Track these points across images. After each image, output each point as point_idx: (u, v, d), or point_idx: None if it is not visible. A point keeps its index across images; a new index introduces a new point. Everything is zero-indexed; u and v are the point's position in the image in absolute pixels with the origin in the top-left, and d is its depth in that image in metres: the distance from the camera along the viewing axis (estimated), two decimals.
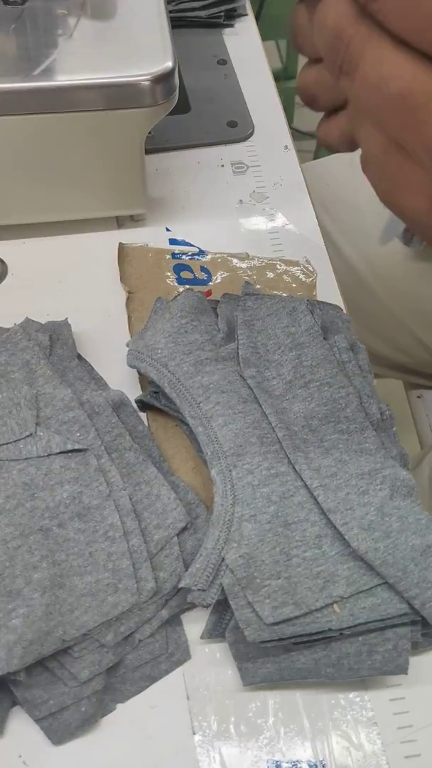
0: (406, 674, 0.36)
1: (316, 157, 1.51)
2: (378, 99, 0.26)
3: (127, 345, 0.47)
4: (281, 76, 1.52)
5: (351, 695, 0.37)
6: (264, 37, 0.71)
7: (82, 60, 0.47)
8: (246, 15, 0.73)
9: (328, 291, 0.53)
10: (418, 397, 0.81)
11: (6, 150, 0.49)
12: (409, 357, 0.74)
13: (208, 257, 0.55)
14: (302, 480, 0.40)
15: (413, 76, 0.25)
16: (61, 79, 0.46)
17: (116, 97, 0.47)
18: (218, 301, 0.49)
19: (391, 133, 0.27)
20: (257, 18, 0.74)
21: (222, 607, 0.38)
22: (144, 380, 0.47)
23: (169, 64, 0.47)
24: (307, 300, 0.48)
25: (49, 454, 0.40)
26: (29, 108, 0.47)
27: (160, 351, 0.45)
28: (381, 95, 0.26)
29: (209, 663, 0.38)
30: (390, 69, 0.25)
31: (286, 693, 0.37)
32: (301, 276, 0.54)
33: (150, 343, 0.45)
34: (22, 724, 0.36)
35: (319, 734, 0.36)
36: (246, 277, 0.53)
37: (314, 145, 1.54)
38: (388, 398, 0.45)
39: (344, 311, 0.50)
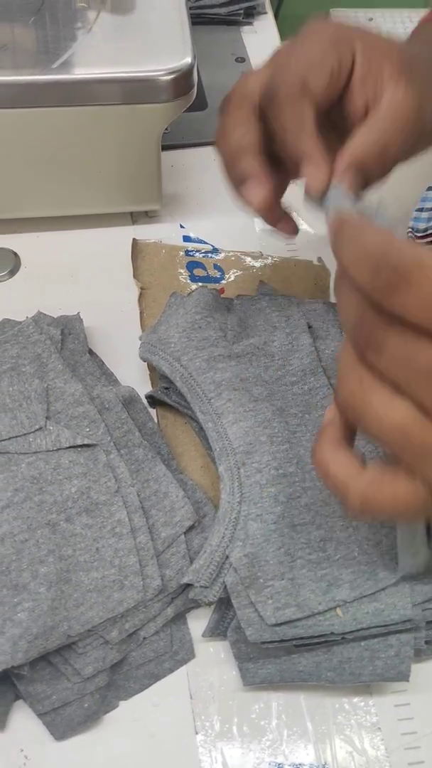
0: (408, 681, 0.36)
1: None
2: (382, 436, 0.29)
3: (140, 338, 0.46)
4: None
5: (355, 700, 0.37)
6: (282, 36, 0.71)
7: (100, 54, 0.47)
8: (265, 13, 0.73)
9: None
10: None
11: (22, 143, 0.49)
12: None
13: (222, 255, 0.55)
14: (310, 482, 0.40)
15: (406, 419, 0.28)
16: (80, 73, 0.46)
17: (134, 91, 0.47)
18: (232, 299, 0.49)
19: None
20: (276, 17, 0.74)
21: (224, 606, 0.38)
22: (154, 377, 0.47)
23: (188, 59, 0.47)
24: (323, 302, 0.48)
25: (59, 449, 0.40)
26: (47, 101, 0.47)
27: (173, 345, 0.44)
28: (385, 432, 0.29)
29: (213, 662, 0.38)
30: (390, 420, 0.28)
31: (290, 695, 0.37)
32: (315, 276, 0.54)
33: (163, 337, 0.45)
34: (24, 719, 0.35)
35: (323, 738, 0.36)
36: (260, 275, 0.53)
37: None
38: None
39: None
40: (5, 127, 0.48)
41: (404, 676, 0.36)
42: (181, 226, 0.56)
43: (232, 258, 0.54)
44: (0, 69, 0.46)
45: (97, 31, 0.49)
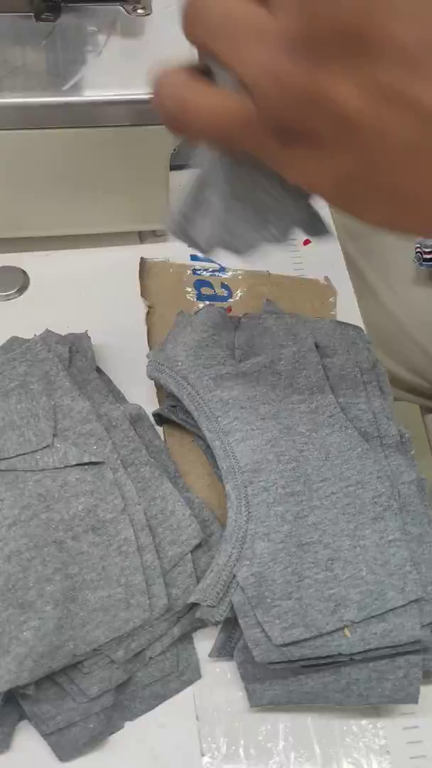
0: (417, 704, 0.35)
1: None
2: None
3: (148, 356, 0.47)
4: None
5: (363, 722, 0.36)
6: None
7: (110, 76, 0.48)
8: None
9: (348, 311, 0.53)
10: None
11: (32, 163, 0.49)
12: (426, 381, 0.73)
13: (229, 274, 0.55)
14: (317, 501, 0.40)
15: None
16: (90, 95, 0.47)
17: (143, 113, 0.47)
18: (240, 318, 0.49)
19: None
20: None
21: (231, 626, 0.38)
22: (161, 395, 0.47)
23: None
24: (330, 320, 0.48)
25: (66, 466, 0.40)
26: (57, 122, 0.47)
27: (180, 363, 0.45)
28: (213, 23, 0.27)
29: (220, 683, 0.37)
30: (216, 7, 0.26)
31: (298, 717, 0.36)
32: (322, 295, 0.54)
33: (171, 356, 0.45)
34: (29, 739, 0.35)
35: (330, 761, 0.35)
36: (267, 294, 0.53)
37: None
38: (404, 422, 0.45)
39: (364, 332, 0.50)
40: (16, 148, 0.48)
41: (413, 699, 0.35)
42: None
43: (240, 277, 0.55)
44: (12, 91, 0.47)
45: (107, 54, 0.50)
